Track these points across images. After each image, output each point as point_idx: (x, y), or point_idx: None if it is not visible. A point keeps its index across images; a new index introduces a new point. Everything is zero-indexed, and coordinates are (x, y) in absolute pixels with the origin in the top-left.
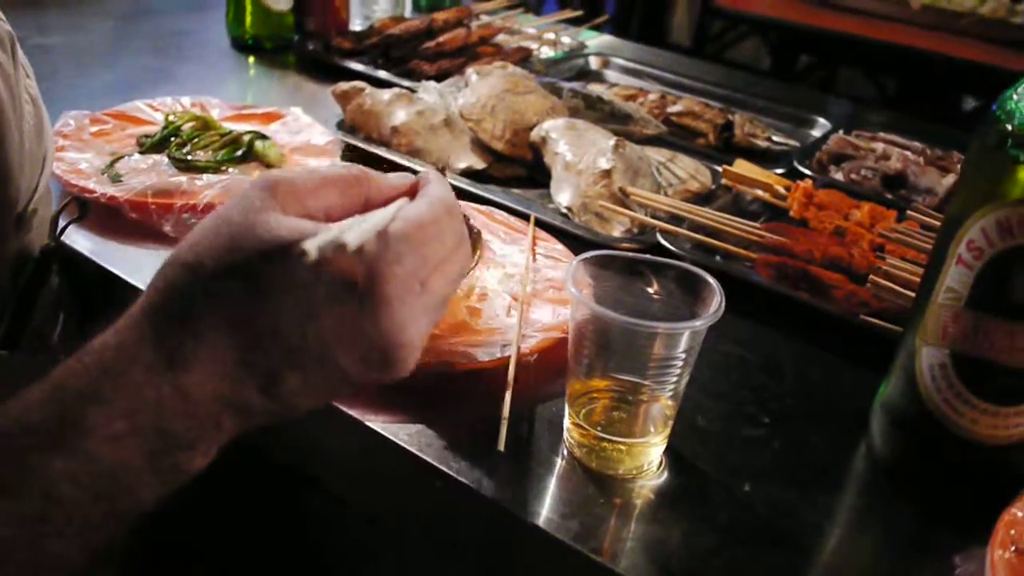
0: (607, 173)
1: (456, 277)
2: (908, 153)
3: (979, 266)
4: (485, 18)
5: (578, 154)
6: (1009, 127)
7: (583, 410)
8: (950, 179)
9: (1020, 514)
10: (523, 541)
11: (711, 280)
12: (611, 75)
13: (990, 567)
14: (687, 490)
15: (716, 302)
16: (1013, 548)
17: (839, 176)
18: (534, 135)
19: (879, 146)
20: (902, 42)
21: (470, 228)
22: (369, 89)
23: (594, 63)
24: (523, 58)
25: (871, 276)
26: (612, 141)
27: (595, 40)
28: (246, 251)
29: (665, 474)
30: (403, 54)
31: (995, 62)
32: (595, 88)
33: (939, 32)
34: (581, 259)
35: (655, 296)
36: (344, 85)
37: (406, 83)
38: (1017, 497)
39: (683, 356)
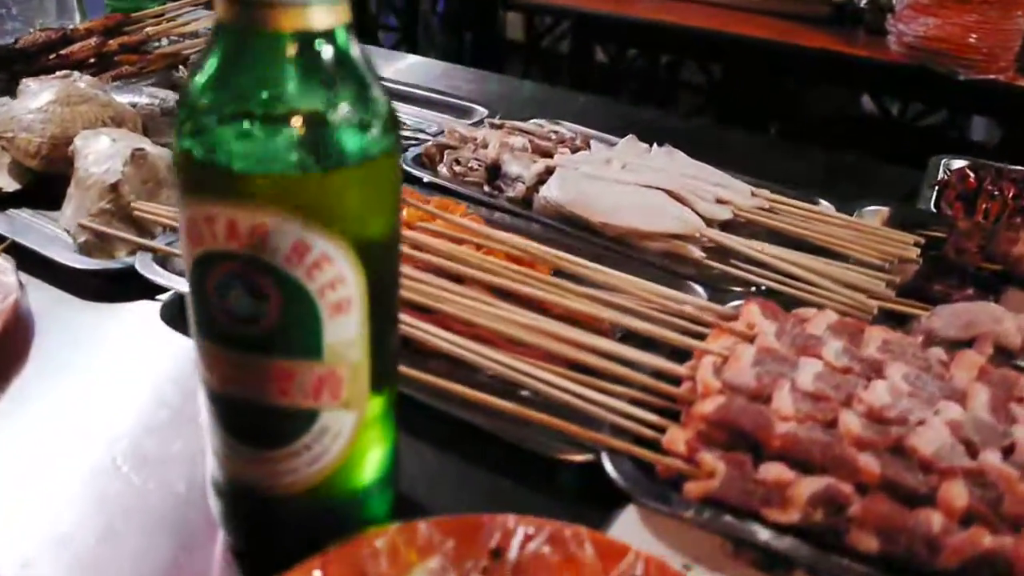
0: (114, 187)
1: None
2: (519, 138)
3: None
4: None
5: (98, 163)
6: None
7: None
8: (540, 165)
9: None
10: None
11: None
12: None
13: None
14: None
15: None
16: None
17: (444, 169)
18: (70, 149)
19: (481, 134)
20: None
21: None
22: None
23: None
24: (172, 64)
25: None
26: (133, 148)
27: None
28: None
29: None
30: (34, 69)
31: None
32: None
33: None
34: None
35: None
36: None
37: None
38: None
39: None
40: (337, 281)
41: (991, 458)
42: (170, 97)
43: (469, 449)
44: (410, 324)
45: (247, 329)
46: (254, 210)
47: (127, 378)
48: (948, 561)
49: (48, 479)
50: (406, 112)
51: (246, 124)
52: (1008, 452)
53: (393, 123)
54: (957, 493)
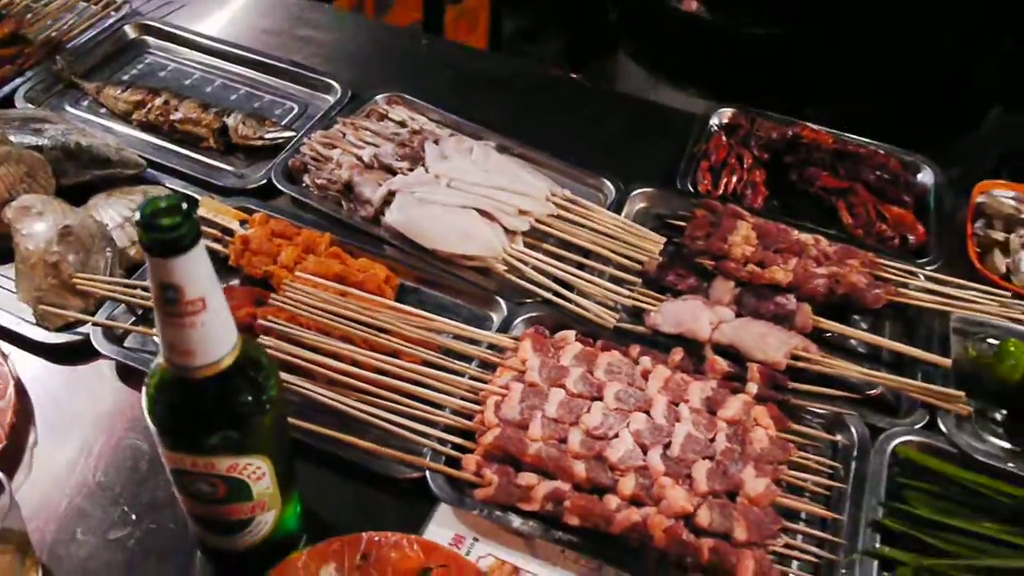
0: (55, 266)
1: None
2: (362, 154)
3: None
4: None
5: (35, 241)
6: None
7: None
8: (384, 189)
9: None
10: None
11: None
12: (153, 44)
13: None
14: None
15: None
16: None
17: (308, 180)
18: (4, 220)
19: (335, 154)
20: None
21: None
22: None
23: (131, 33)
24: (49, 53)
25: None
26: (60, 227)
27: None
28: None
29: None
30: None
31: None
32: (85, 134)
33: None
34: None
35: None
36: None
37: None
38: None
39: None
40: (257, 468)
41: (653, 456)
42: (70, 137)
43: (351, 473)
44: (285, 380)
45: (206, 496)
46: (205, 456)
47: (109, 432)
48: (616, 529)
49: (80, 528)
50: (268, 85)
51: (189, 423)
52: (667, 447)
53: (277, 391)
54: (627, 484)
